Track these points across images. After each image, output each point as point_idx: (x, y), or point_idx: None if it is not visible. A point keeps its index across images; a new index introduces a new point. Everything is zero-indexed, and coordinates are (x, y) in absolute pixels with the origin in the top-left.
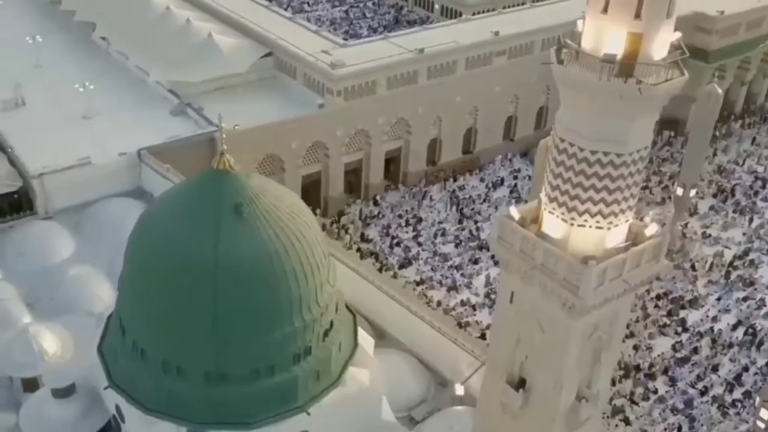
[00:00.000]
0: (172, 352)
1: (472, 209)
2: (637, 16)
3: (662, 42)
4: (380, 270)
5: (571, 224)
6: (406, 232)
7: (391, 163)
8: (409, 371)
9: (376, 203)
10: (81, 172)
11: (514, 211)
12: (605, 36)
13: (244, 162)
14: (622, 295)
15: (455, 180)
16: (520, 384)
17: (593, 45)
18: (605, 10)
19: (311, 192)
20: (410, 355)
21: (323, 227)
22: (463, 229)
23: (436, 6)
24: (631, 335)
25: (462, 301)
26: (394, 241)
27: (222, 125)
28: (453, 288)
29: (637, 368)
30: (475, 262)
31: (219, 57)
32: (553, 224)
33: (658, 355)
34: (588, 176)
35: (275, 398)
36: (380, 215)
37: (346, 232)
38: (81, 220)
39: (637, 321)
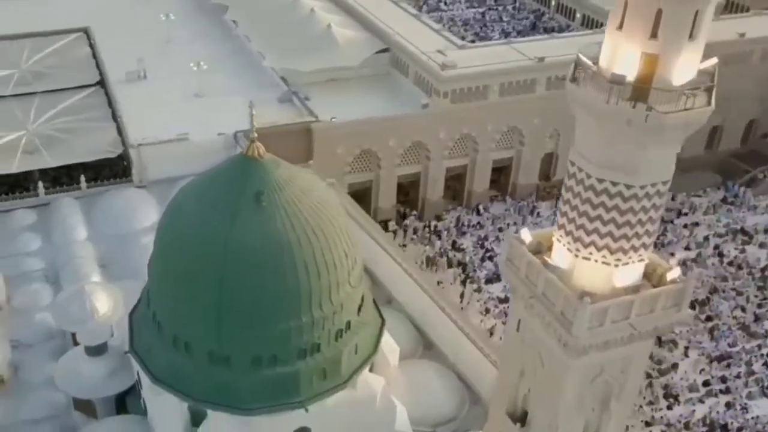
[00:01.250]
0: (181, 328)
1: None
2: (653, 35)
3: (685, 66)
4: (464, 282)
5: (576, 255)
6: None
7: (500, 173)
8: (444, 386)
9: (478, 212)
10: (177, 146)
11: (526, 234)
12: (619, 55)
13: (338, 155)
14: (630, 341)
15: None
16: (522, 417)
17: (608, 64)
18: (621, 26)
19: (410, 193)
20: (451, 371)
21: (414, 231)
22: None
23: (578, 15)
24: (727, 390)
25: None
26: (488, 254)
27: (253, 112)
28: None
29: (725, 428)
30: None
31: (334, 49)
32: (560, 253)
33: (753, 418)
34: (594, 206)
35: (276, 389)
36: (479, 225)
37: (439, 238)
38: (170, 192)
39: (737, 377)
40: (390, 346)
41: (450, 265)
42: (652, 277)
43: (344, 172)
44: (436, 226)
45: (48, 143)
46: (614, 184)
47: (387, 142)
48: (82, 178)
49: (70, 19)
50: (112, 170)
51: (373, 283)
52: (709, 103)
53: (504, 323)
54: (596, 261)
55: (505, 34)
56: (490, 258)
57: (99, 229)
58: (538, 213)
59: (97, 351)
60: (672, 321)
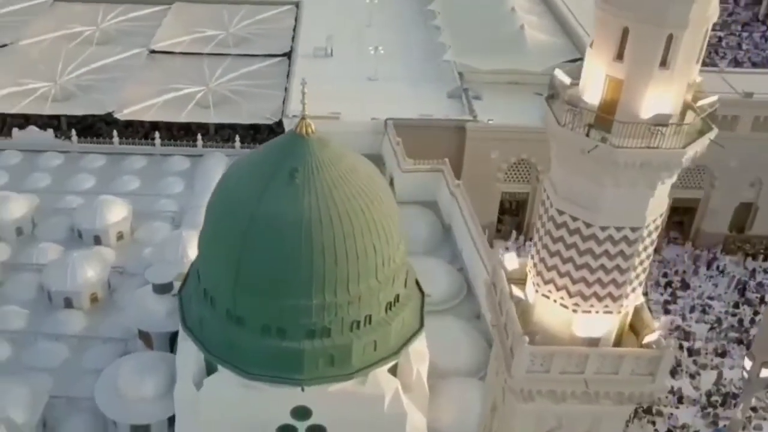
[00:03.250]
0: (210, 283)
1: (760, 297)
2: (619, 56)
3: (656, 98)
4: None
5: (536, 290)
6: (661, 294)
7: (685, 215)
8: None
9: None
10: (328, 124)
11: (511, 260)
12: (588, 76)
13: (492, 161)
14: (589, 400)
15: (765, 259)
16: None
17: (581, 85)
18: (592, 42)
19: (520, 211)
20: None
21: None
22: (733, 315)
23: None
24: None
25: (672, 388)
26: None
27: (305, 90)
28: (673, 372)
29: None
30: (721, 354)
31: (521, 51)
32: (529, 286)
33: None
34: (554, 240)
35: (278, 361)
36: None
37: None
38: None
39: None
40: (421, 356)
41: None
42: (640, 336)
43: (497, 179)
44: None
45: (219, 101)
46: (573, 219)
47: (547, 154)
48: (237, 138)
49: None
50: (268, 136)
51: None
52: (687, 145)
53: None
54: (555, 301)
55: (736, 63)
56: None
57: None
58: (717, 267)
59: (162, 289)
60: (644, 391)
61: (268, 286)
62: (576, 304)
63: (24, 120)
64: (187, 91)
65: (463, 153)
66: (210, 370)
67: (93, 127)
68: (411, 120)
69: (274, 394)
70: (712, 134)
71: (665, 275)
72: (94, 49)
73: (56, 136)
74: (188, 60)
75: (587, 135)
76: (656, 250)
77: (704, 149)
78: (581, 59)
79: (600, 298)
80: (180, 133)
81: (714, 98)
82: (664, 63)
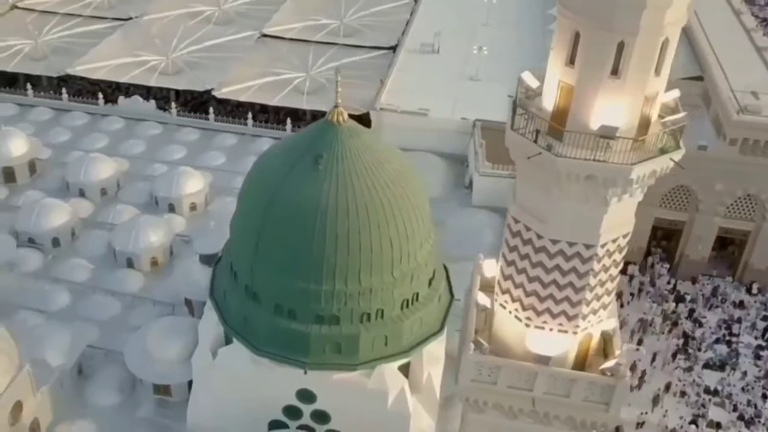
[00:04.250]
0: (234, 257)
1: None
2: (571, 61)
3: (606, 108)
4: (675, 354)
5: (496, 299)
6: (755, 337)
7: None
8: None
9: (749, 291)
10: (415, 119)
11: (489, 267)
12: (546, 80)
13: None
14: (538, 420)
15: None
16: None
17: (543, 90)
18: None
19: (669, 242)
20: None
21: (652, 284)
22: None
23: None
24: None
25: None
26: (727, 338)
27: (339, 79)
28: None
29: None
30: None
31: None
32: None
33: None
34: (510, 248)
35: (286, 341)
36: (741, 305)
37: (678, 304)
38: None
39: None
40: (436, 359)
41: (670, 331)
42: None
43: None
44: (680, 292)
45: (316, 89)
46: (527, 228)
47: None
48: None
49: None
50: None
51: None
52: (641, 162)
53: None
54: (510, 313)
55: None
56: (728, 343)
57: None
58: None
59: (207, 260)
60: (596, 420)
61: (281, 267)
62: (529, 318)
63: (139, 90)
64: (286, 76)
65: None
66: (227, 341)
67: (206, 104)
68: (501, 123)
69: (281, 374)
70: (676, 154)
71: (765, 318)
72: (211, 28)
73: (162, 109)
74: (295, 46)
75: (535, 141)
76: (760, 290)
77: (666, 169)
78: (701, 78)
79: (553, 315)
80: (278, 116)
81: (681, 115)
82: (615, 72)
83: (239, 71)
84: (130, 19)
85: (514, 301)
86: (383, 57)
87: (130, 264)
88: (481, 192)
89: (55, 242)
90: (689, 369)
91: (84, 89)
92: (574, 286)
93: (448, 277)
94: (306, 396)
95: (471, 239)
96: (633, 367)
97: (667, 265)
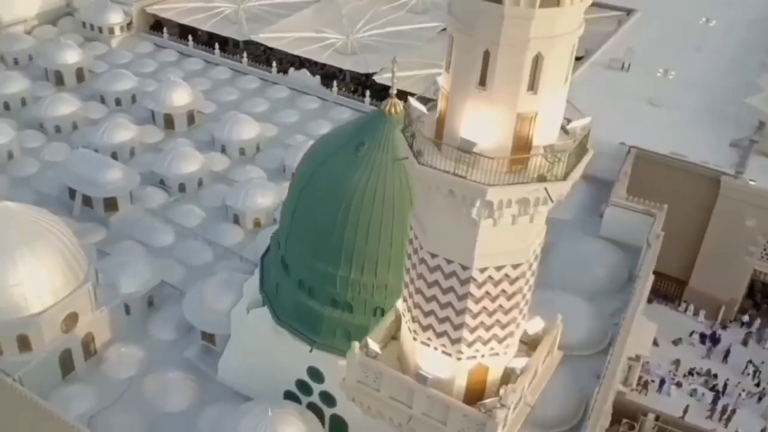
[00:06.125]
0: (280, 230)
1: None
2: (447, 67)
3: (474, 121)
4: None
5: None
6: None
7: None
8: None
9: None
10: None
11: None
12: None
13: (746, 229)
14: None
15: None
16: None
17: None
18: None
19: None
20: None
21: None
22: None
23: None
24: None
25: None
26: None
27: (395, 69)
28: None
29: None
30: None
31: None
32: None
33: None
34: (407, 255)
35: (302, 317)
36: None
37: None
38: None
39: None
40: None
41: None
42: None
43: (748, 252)
44: None
45: None
46: (415, 236)
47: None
48: None
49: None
50: None
51: None
52: (498, 185)
53: None
54: (405, 323)
55: None
56: None
57: None
58: None
59: None
60: None
61: (307, 244)
62: (416, 332)
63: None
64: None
65: (711, 211)
66: (263, 304)
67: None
68: (657, 155)
69: (296, 347)
70: (554, 186)
71: None
72: (402, 15)
73: (326, 85)
74: None
75: (410, 145)
76: None
77: (542, 201)
78: None
79: (437, 334)
80: None
81: (565, 143)
82: (482, 82)
83: (407, 61)
84: None
85: (407, 312)
86: None
87: (236, 220)
88: (609, 223)
89: (182, 187)
90: None
91: (278, 57)
92: (453, 307)
93: None
94: (315, 375)
95: (576, 269)
96: None
97: None
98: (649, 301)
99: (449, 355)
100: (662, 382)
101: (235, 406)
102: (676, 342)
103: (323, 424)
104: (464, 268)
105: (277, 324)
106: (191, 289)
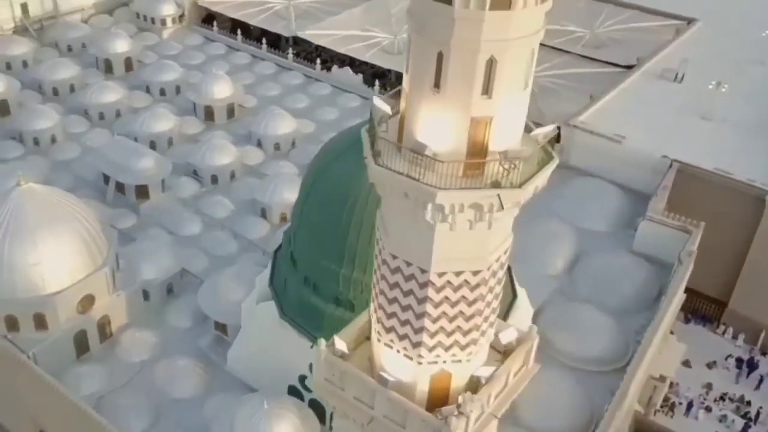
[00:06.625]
0: (291, 226)
1: None
2: (407, 69)
3: (430, 124)
4: None
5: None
6: None
7: None
8: None
9: None
10: (608, 145)
11: None
12: None
13: None
14: None
15: None
16: None
17: None
18: None
19: None
20: None
21: None
22: None
23: None
24: None
25: None
26: None
27: None
28: None
29: None
30: None
31: None
32: None
33: None
34: (375, 255)
35: (305, 313)
36: None
37: None
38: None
39: None
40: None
41: None
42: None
43: None
44: None
45: None
46: (380, 238)
47: None
48: None
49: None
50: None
51: None
52: (448, 189)
53: None
54: (373, 323)
55: None
56: None
57: None
58: None
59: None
60: None
61: (312, 241)
62: (379, 333)
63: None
64: None
65: (754, 231)
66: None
67: None
68: (700, 170)
69: (298, 342)
70: (507, 193)
71: None
72: None
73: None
74: None
75: (372, 146)
76: None
77: (495, 207)
78: None
79: (399, 337)
80: None
81: (520, 149)
82: (437, 84)
83: None
84: None
85: (374, 311)
86: (612, 74)
87: (263, 214)
88: (643, 238)
89: (214, 179)
90: None
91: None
92: (414, 310)
93: (511, 277)
94: None
95: (604, 283)
96: None
97: None
98: (687, 321)
99: (410, 358)
100: (690, 405)
101: (240, 396)
102: (710, 365)
103: (324, 421)
104: (423, 271)
105: (282, 318)
106: (208, 280)
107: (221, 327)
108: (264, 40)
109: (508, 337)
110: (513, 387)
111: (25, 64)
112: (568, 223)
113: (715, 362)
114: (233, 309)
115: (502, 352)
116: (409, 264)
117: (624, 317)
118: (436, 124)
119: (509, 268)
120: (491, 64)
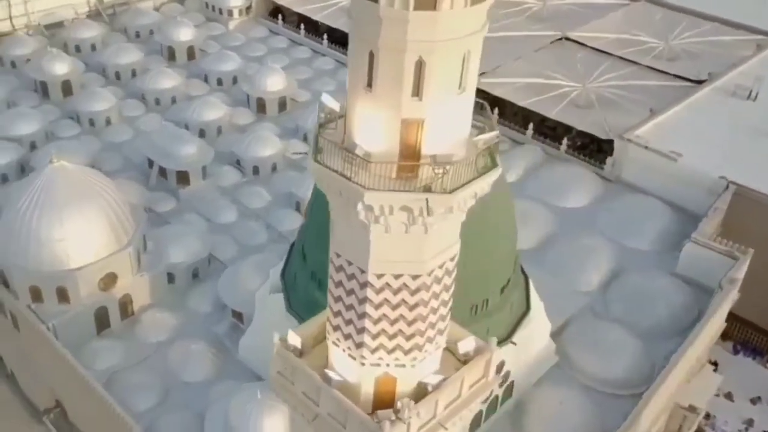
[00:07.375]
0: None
1: None
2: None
3: (363, 123)
4: None
5: None
6: None
7: None
8: None
9: None
10: (662, 162)
11: None
12: None
13: None
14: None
15: None
16: None
17: None
18: None
19: None
20: None
21: None
22: None
23: None
24: None
25: None
26: None
27: None
28: None
29: None
30: None
31: None
32: None
33: None
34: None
35: (309, 313)
36: None
37: None
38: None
39: None
40: None
41: None
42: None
43: None
44: None
45: (587, 104)
46: (330, 237)
47: None
48: (564, 141)
49: None
50: (600, 148)
51: None
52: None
53: None
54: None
55: None
56: None
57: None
58: None
59: None
60: None
61: (320, 237)
62: (328, 331)
63: None
64: (557, 82)
65: None
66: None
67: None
68: (758, 193)
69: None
70: (437, 198)
71: None
72: None
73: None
74: (589, 55)
75: (316, 143)
76: None
77: (426, 211)
78: None
79: (344, 336)
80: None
81: (450, 154)
82: (369, 84)
83: (510, 66)
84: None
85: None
86: (680, 88)
87: (297, 207)
88: (687, 261)
89: (255, 170)
90: None
91: None
92: (355, 310)
93: (527, 288)
94: None
95: (638, 303)
96: None
97: None
98: (735, 352)
99: (354, 358)
100: None
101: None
102: (754, 401)
103: None
104: (362, 271)
105: (288, 312)
106: (230, 268)
107: (238, 315)
108: (325, 36)
109: (466, 346)
110: (468, 398)
111: (93, 47)
112: (611, 239)
113: (759, 398)
114: (251, 298)
115: (463, 362)
116: (350, 263)
117: (654, 341)
118: (370, 124)
119: (526, 280)
120: (420, 65)
